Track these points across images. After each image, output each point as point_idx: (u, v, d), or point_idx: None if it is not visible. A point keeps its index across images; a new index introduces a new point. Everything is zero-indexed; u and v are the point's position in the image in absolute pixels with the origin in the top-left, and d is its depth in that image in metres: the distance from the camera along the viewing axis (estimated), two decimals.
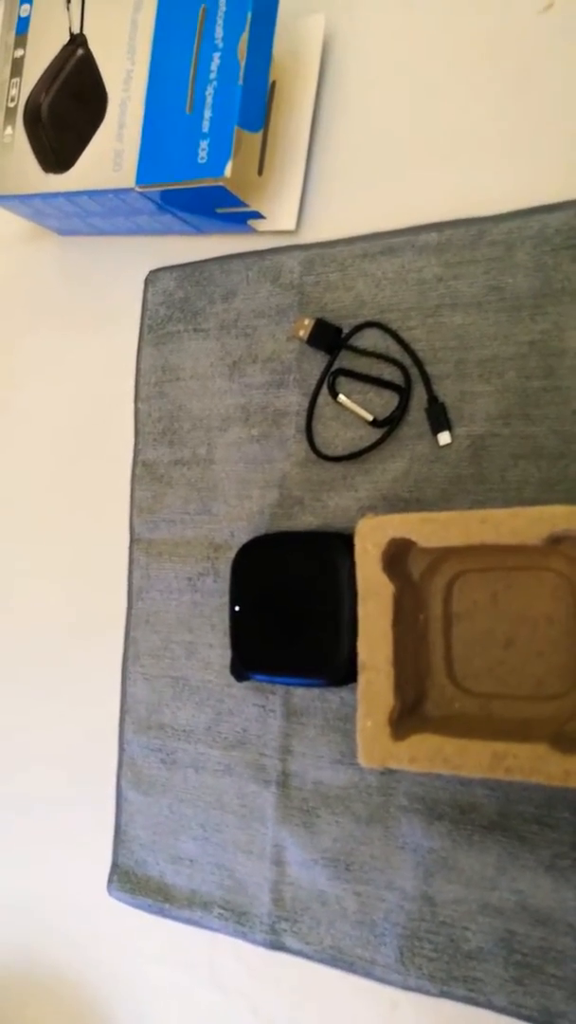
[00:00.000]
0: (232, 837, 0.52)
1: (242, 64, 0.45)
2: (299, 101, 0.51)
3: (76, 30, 0.51)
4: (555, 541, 0.40)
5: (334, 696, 0.49)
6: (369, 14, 0.52)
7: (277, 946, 0.50)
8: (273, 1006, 0.50)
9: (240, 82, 0.45)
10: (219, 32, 0.46)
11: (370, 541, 0.42)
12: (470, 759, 0.39)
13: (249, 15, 0.45)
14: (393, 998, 0.47)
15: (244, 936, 0.51)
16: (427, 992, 0.45)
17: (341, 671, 0.45)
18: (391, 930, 0.46)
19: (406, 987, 0.46)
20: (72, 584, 0.60)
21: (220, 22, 0.46)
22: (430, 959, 0.45)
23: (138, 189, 0.48)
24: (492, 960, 0.44)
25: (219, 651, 0.53)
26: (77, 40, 0.50)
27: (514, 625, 0.43)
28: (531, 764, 0.38)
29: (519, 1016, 0.43)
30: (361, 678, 0.42)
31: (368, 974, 0.47)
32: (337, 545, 0.46)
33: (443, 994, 0.45)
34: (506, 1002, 0.43)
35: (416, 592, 0.44)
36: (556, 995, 0.42)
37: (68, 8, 0.51)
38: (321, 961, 0.48)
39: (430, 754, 0.40)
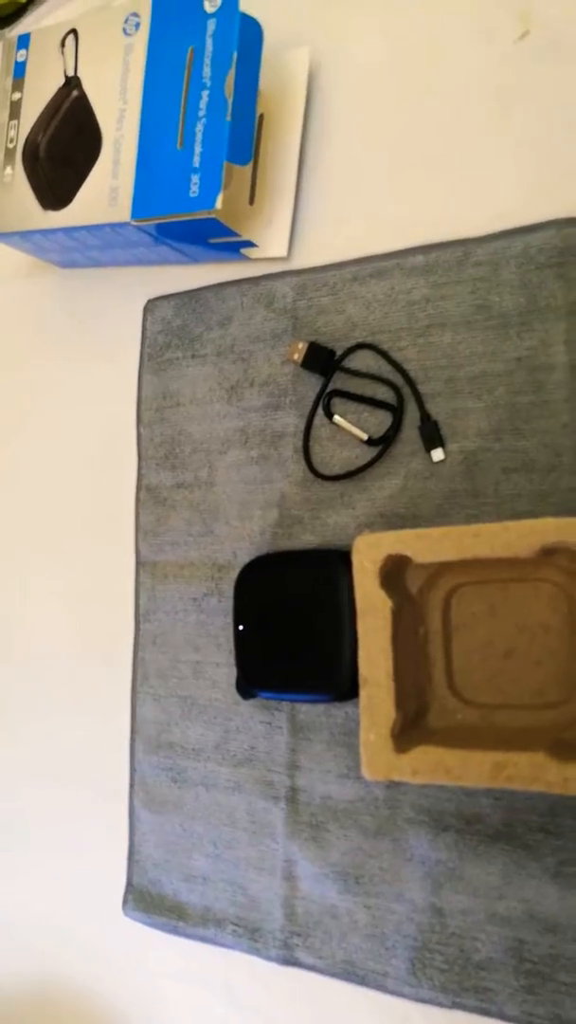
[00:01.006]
0: (243, 854, 0.52)
1: (230, 101, 0.46)
2: (287, 132, 0.53)
3: (71, 73, 0.52)
4: (548, 553, 0.40)
5: (339, 711, 0.50)
6: (352, 46, 0.53)
7: (290, 961, 0.50)
8: (288, 1022, 0.51)
9: (228, 118, 0.47)
10: (207, 71, 0.47)
11: (367, 558, 0.43)
12: (471, 769, 0.40)
13: (235, 54, 0.47)
14: (405, 1011, 0.47)
15: (258, 952, 0.51)
16: (439, 1004, 0.46)
17: (344, 686, 0.46)
18: (402, 942, 0.47)
19: (418, 999, 0.46)
20: (80, 608, 0.61)
21: (207, 61, 0.47)
22: (441, 970, 0.46)
23: (133, 223, 0.50)
24: (502, 969, 0.44)
25: (225, 670, 0.54)
26: (72, 82, 0.52)
27: (512, 636, 0.44)
28: (531, 773, 0.38)
29: None
30: (362, 692, 0.42)
31: (380, 987, 0.47)
32: (336, 562, 0.47)
33: (455, 1005, 0.45)
34: (518, 1011, 0.44)
35: (415, 606, 0.45)
36: (567, 1003, 0.42)
37: (63, 52, 0.53)
38: (334, 975, 0.49)
39: (432, 766, 0.40)
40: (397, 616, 0.43)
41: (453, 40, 0.50)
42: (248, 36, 0.48)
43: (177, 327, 0.57)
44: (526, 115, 0.48)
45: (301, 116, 0.53)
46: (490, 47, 0.49)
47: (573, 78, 0.47)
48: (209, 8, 0.47)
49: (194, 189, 0.47)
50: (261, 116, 0.53)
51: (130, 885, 0.56)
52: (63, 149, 0.53)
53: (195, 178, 0.47)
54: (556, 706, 0.43)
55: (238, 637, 0.50)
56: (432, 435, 0.48)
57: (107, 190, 0.51)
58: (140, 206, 0.50)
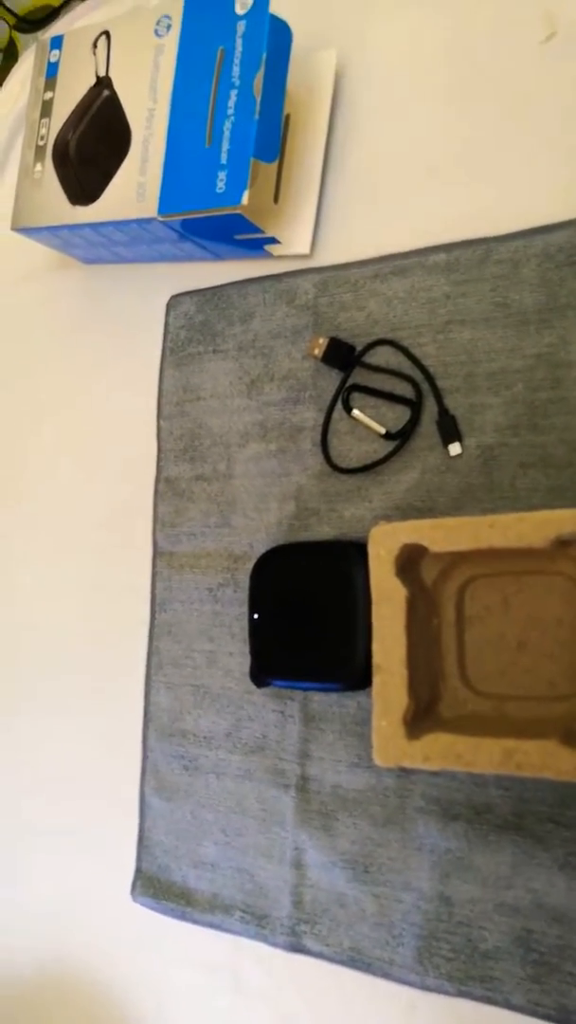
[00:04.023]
0: (253, 841, 0.53)
1: (258, 100, 0.48)
2: (312, 132, 0.54)
3: (102, 73, 0.54)
4: (562, 544, 0.41)
5: (351, 701, 0.50)
6: (379, 48, 0.55)
7: (297, 948, 0.50)
8: (294, 1008, 0.51)
9: (256, 116, 0.48)
10: (236, 71, 0.49)
11: (383, 547, 0.43)
12: (482, 756, 0.40)
13: (264, 55, 0.48)
14: (412, 999, 0.47)
15: (265, 939, 0.52)
16: (445, 992, 0.46)
17: (357, 675, 0.46)
18: (409, 931, 0.47)
19: (424, 987, 0.47)
20: (97, 597, 0.62)
21: (237, 62, 0.49)
22: (448, 959, 0.46)
23: (160, 218, 0.51)
24: (509, 959, 0.45)
25: (239, 659, 0.54)
26: (103, 82, 0.54)
27: (525, 628, 0.45)
28: (541, 760, 0.39)
29: (536, 1015, 0.43)
30: (376, 679, 0.43)
31: (387, 975, 0.48)
32: (352, 553, 0.48)
33: (461, 994, 0.46)
34: (524, 1001, 0.44)
35: (429, 597, 0.46)
36: (573, 993, 0.43)
37: (95, 53, 0.55)
38: (340, 963, 0.49)
39: (443, 752, 0.41)
40: (411, 606, 0.43)
41: (478, 42, 0.51)
42: (277, 37, 0.49)
43: (199, 322, 0.59)
44: (550, 116, 0.49)
45: (327, 117, 0.54)
46: (516, 49, 0.50)
47: None
48: (240, 10, 0.49)
49: (221, 185, 0.49)
50: (287, 116, 0.54)
51: (139, 871, 0.57)
52: (92, 147, 0.54)
53: (222, 175, 0.49)
54: (567, 698, 0.43)
55: (253, 625, 0.51)
56: (450, 430, 0.49)
57: (135, 186, 0.52)
58: (167, 202, 0.51)
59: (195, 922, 0.54)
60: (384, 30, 0.55)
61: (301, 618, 0.49)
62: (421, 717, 0.44)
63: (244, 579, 0.54)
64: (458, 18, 0.52)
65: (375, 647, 0.43)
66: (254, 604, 0.51)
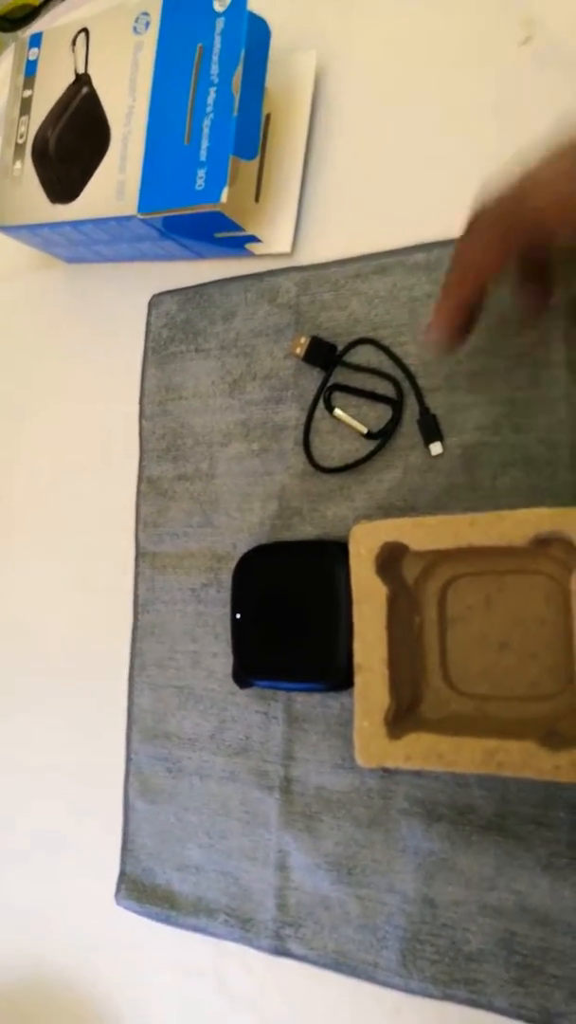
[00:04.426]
0: (237, 844, 0.52)
1: (237, 97, 0.47)
2: (293, 132, 0.54)
3: (81, 70, 0.53)
4: (543, 543, 0.41)
5: (334, 702, 0.50)
6: (358, 48, 0.54)
7: (282, 952, 0.50)
8: (278, 1013, 0.51)
9: (235, 114, 0.48)
10: (215, 68, 0.48)
11: (364, 545, 0.43)
12: (463, 755, 0.40)
13: (243, 52, 0.47)
14: (396, 1002, 0.47)
15: (249, 943, 0.51)
16: (430, 995, 0.46)
17: (340, 675, 0.46)
18: (393, 933, 0.47)
19: (408, 991, 0.46)
20: (79, 598, 0.61)
21: (216, 59, 0.48)
22: (432, 962, 0.46)
23: (140, 216, 0.51)
24: (493, 961, 0.44)
25: (222, 660, 0.54)
26: (82, 79, 0.53)
27: (508, 628, 0.44)
28: (522, 759, 0.39)
29: (520, 1017, 0.43)
30: (357, 679, 0.43)
31: (371, 978, 0.47)
32: (334, 552, 0.47)
33: (445, 997, 0.45)
34: (507, 1003, 0.44)
35: (411, 596, 0.46)
36: (556, 995, 0.42)
37: (73, 50, 0.54)
38: (325, 966, 0.49)
39: (425, 752, 0.41)
40: (392, 604, 0.43)
41: (457, 45, 0.51)
42: (256, 35, 0.49)
43: (181, 321, 0.58)
44: (527, 117, 0.48)
45: (307, 117, 0.54)
46: (494, 50, 0.50)
47: (572, 82, 0.47)
48: (219, 7, 0.48)
49: (200, 183, 0.48)
50: (268, 116, 0.54)
51: (123, 874, 0.56)
52: (72, 144, 0.54)
53: (201, 172, 0.48)
54: (550, 698, 0.43)
55: (235, 625, 0.51)
56: (431, 429, 0.48)
57: (114, 184, 0.52)
58: (147, 200, 0.51)
59: (179, 926, 0.54)
60: (364, 31, 0.54)
61: (284, 618, 0.49)
62: (403, 717, 0.43)
63: (227, 579, 0.54)
64: (437, 21, 0.52)
65: (356, 646, 0.43)
66: (236, 604, 0.51)
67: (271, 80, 0.52)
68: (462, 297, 0.40)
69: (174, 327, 0.59)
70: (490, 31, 0.50)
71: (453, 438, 0.48)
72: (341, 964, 0.48)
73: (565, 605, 0.43)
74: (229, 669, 0.53)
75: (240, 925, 0.52)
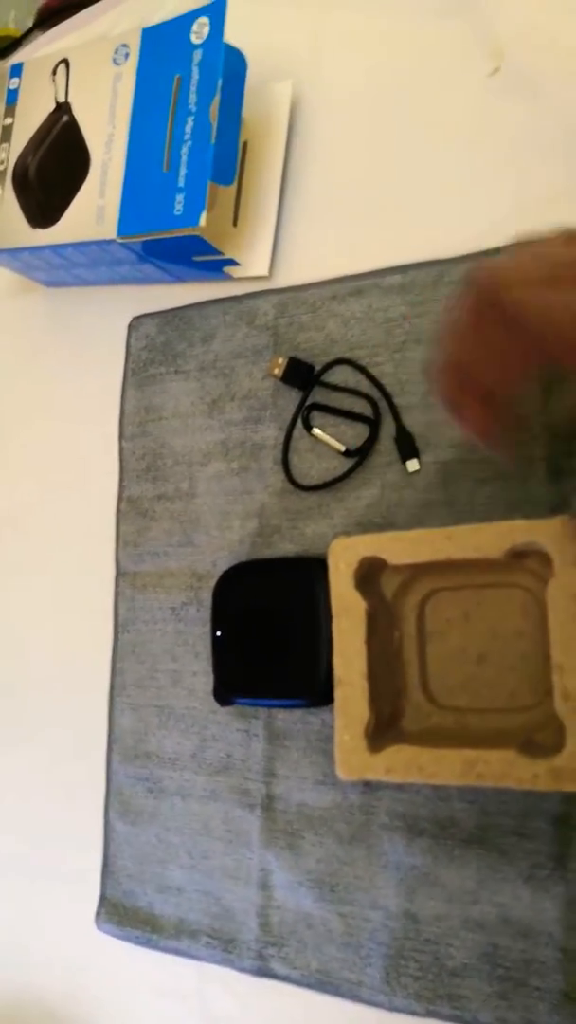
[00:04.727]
0: (219, 863, 0.52)
1: (214, 125, 0.49)
2: (270, 159, 0.55)
3: (61, 99, 0.55)
4: (519, 556, 0.42)
5: (315, 718, 0.50)
6: (332, 79, 0.56)
7: (265, 972, 0.50)
8: None
9: (212, 141, 0.49)
10: (193, 98, 0.50)
11: (342, 560, 0.44)
12: (443, 767, 0.40)
13: (220, 82, 0.49)
14: (380, 1021, 0.47)
15: (232, 964, 0.51)
16: (414, 1012, 0.46)
17: (320, 690, 0.46)
18: (376, 950, 0.47)
19: (393, 1008, 0.46)
20: (60, 619, 0.61)
21: (193, 89, 0.50)
22: (415, 978, 0.46)
23: (119, 240, 0.52)
24: (476, 975, 0.44)
25: (203, 678, 0.54)
26: (62, 108, 0.55)
27: (486, 641, 0.45)
28: (501, 769, 0.39)
29: None
30: (337, 693, 0.43)
31: (355, 997, 0.47)
32: (313, 569, 0.48)
33: (429, 1013, 0.45)
34: (491, 1018, 0.44)
35: (390, 611, 0.46)
36: (539, 1007, 0.42)
37: (54, 80, 0.56)
38: (308, 986, 0.48)
39: (406, 764, 0.41)
40: (372, 619, 0.44)
41: (429, 75, 0.53)
42: (232, 65, 0.50)
43: (161, 344, 0.59)
44: (497, 145, 0.50)
45: (284, 144, 0.55)
46: (464, 80, 0.52)
47: (540, 111, 0.49)
48: (196, 39, 0.50)
49: (179, 208, 0.49)
50: (245, 144, 0.56)
51: (104, 898, 0.56)
52: (52, 171, 0.55)
53: (180, 197, 0.49)
54: (528, 709, 0.44)
55: (215, 643, 0.51)
56: (408, 446, 0.49)
57: (94, 209, 0.53)
58: (126, 223, 0.52)
59: (161, 949, 0.53)
60: (338, 62, 0.56)
61: (264, 635, 0.49)
62: (384, 731, 0.44)
63: (207, 598, 0.54)
64: (409, 52, 0.54)
65: (336, 660, 0.43)
66: (216, 622, 0.51)
67: (248, 109, 0.54)
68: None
69: (154, 349, 0.59)
70: (460, 62, 0.52)
71: (429, 455, 0.49)
72: (325, 983, 0.48)
73: (541, 618, 0.44)
74: (210, 688, 0.53)
75: (222, 946, 0.51)
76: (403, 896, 0.47)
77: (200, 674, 0.54)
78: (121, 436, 0.60)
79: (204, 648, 0.54)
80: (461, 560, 0.42)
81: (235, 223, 0.55)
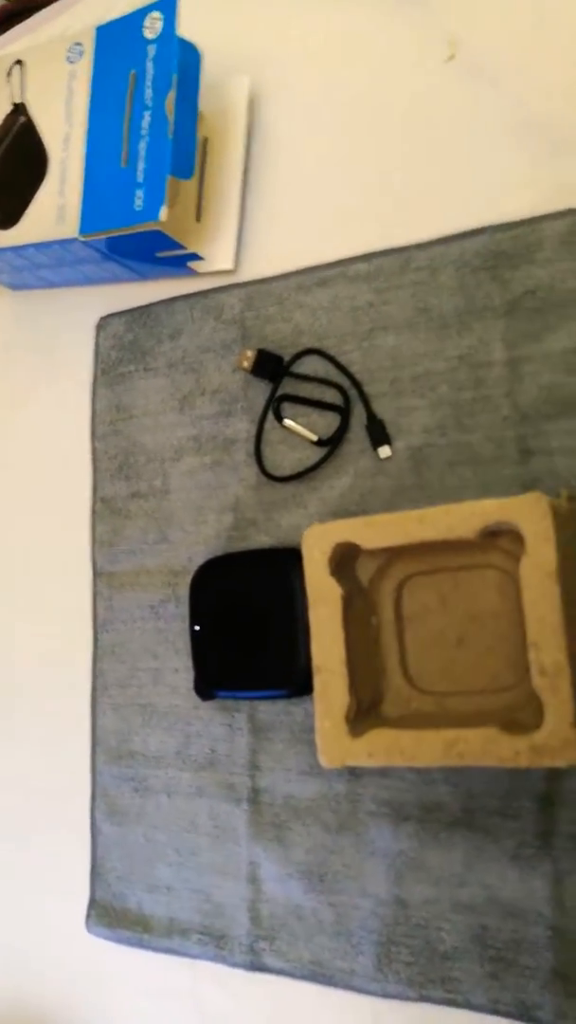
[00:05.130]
0: (207, 859, 0.52)
1: (171, 119, 0.49)
2: (230, 153, 0.55)
3: (17, 100, 0.54)
4: (492, 535, 0.42)
5: (297, 708, 0.50)
6: (290, 71, 0.56)
7: (257, 966, 0.49)
8: None
9: (170, 136, 0.49)
10: (148, 93, 0.50)
11: (317, 548, 0.44)
12: (424, 748, 0.40)
13: (175, 76, 0.49)
14: (376, 1010, 0.47)
15: (224, 960, 0.51)
16: (406, 998, 0.46)
17: (300, 680, 0.46)
18: (367, 938, 0.47)
19: (386, 995, 0.46)
20: (38, 622, 0.61)
21: (149, 84, 0.50)
22: (407, 964, 0.46)
23: (81, 238, 0.52)
24: (467, 958, 0.44)
25: (184, 675, 0.54)
26: (19, 109, 0.54)
27: (464, 624, 0.45)
28: (482, 748, 0.39)
29: (498, 1013, 0.43)
30: (316, 679, 0.43)
31: (348, 985, 0.47)
32: (289, 559, 0.48)
33: (422, 998, 0.45)
34: (484, 999, 0.44)
35: (366, 597, 0.46)
36: (531, 986, 0.43)
37: (9, 81, 0.55)
38: (302, 977, 0.48)
39: (387, 747, 0.41)
40: (348, 605, 0.44)
41: (385, 63, 0.53)
42: (187, 59, 0.50)
43: (129, 342, 0.59)
44: (456, 131, 0.51)
45: (243, 138, 0.55)
46: (422, 68, 0.52)
47: (496, 97, 0.49)
48: (149, 34, 0.50)
49: (139, 203, 0.49)
50: (205, 139, 0.56)
51: (93, 900, 0.55)
52: (11, 172, 0.55)
53: (139, 192, 0.49)
54: (508, 689, 0.44)
55: (194, 637, 0.51)
56: (378, 433, 0.49)
57: (55, 208, 0.52)
58: (87, 222, 0.51)
59: (153, 949, 0.53)
60: (295, 54, 0.56)
61: (242, 627, 0.49)
62: (364, 717, 0.44)
63: (185, 594, 0.54)
64: (365, 42, 0.54)
65: (314, 648, 0.43)
66: (195, 616, 0.51)
67: (207, 105, 0.54)
68: None
69: (122, 348, 0.59)
70: (416, 50, 0.52)
71: (401, 441, 0.49)
72: (317, 974, 0.48)
73: (518, 598, 0.44)
74: (191, 684, 0.53)
75: (214, 943, 0.51)
76: (392, 882, 0.46)
77: (181, 671, 0.54)
78: (93, 436, 0.59)
79: (184, 645, 0.54)
80: (435, 542, 0.42)
81: (198, 218, 0.55)
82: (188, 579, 0.54)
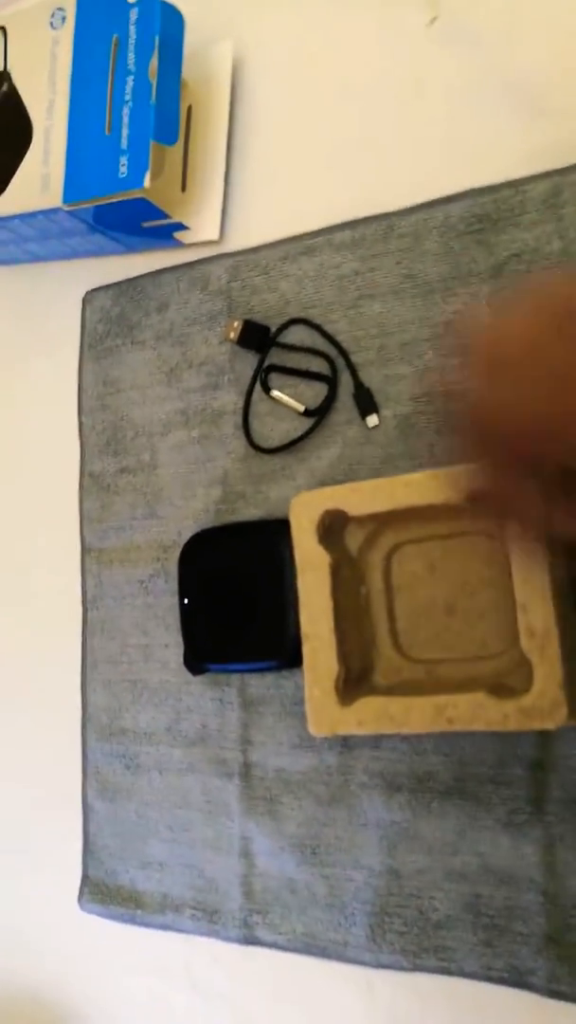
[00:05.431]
0: (200, 835, 0.52)
1: (154, 84, 0.48)
2: (214, 121, 0.54)
3: (0, 68, 0.54)
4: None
5: (288, 681, 0.50)
6: (273, 37, 0.55)
7: (250, 940, 0.49)
8: (252, 1004, 0.50)
9: (153, 101, 0.48)
10: (131, 58, 0.49)
11: (304, 516, 0.43)
12: (414, 715, 0.40)
13: (157, 39, 0.48)
14: (369, 979, 0.47)
15: (217, 935, 0.50)
16: (400, 967, 0.45)
17: (290, 651, 0.46)
18: (360, 909, 0.47)
19: (379, 965, 0.46)
20: (27, 599, 0.60)
21: (132, 49, 0.49)
22: (400, 933, 0.45)
23: (65, 208, 0.51)
24: (460, 926, 0.44)
25: (174, 650, 0.53)
26: (2, 77, 0.53)
27: (453, 592, 0.45)
28: (471, 712, 0.39)
29: (490, 979, 0.43)
30: (305, 648, 0.43)
31: (341, 957, 0.47)
32: (278, 530, 0.47)
33: (416, 967, 0.45)
34: (477, 966, 0.43)
35: (355, 567, 0.46)
36: (523, 952, 0.42)
37: None
38: (295, 950, 0.48)
39: (377, 714, 0.41)
40: (336, 573, 0.43)
41: (368, 27, 0.52)
42: (169, 22, 0.49)
43: (116, 315, 0.58)
44: (438, 95, 0.50)
45: (227, 106, 0.55)
46: (403, 33, 0.51)
47: (478, 59, 0.49)
48: None
49: (123, 170, 0.49)
50: (189, 108, 0.55)
51: (86, 878, 0.55)
52: None
53: (123, 159, 0.49)
54: (497, 656, 0.43)
55: (184, 611, 0.50)
56: (366, 402, 0.49)
57: (39, 178, 0.52)
58: (71, 190, 0.51)
59: (146, 925, 0.53)
60: (277, 20, 0.55)
61: (231, 600, 0.49)
62: (355, 686, 0.43)
63: (174, 569, 0.53)
64: (348, 6, 0.53)
65: (302, 616, 0.43)
66: (184, 589, 0.51)
67: (190, 72, 0.53)
68: None
69: (109, 321, 0.58)
70: (398, 13, 0.51)
71: (388, 410, 0.49)
72: (311, 946, 0.48)
73: (506, 565, 0.43)
74: (181, 660, 0.52)
75: (207, 918, 0.51)
76: (384, 853, 0.46)
77: (172, 646, 0.54)
78: (80, 411, 0.59)
79: (174, 620, 0.53)
80: (423, 508, 0.42)
81: (183, 188, 0.54)
82: (177, 554, 0.53)
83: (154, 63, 0.48)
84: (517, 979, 0.42)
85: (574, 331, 0.28)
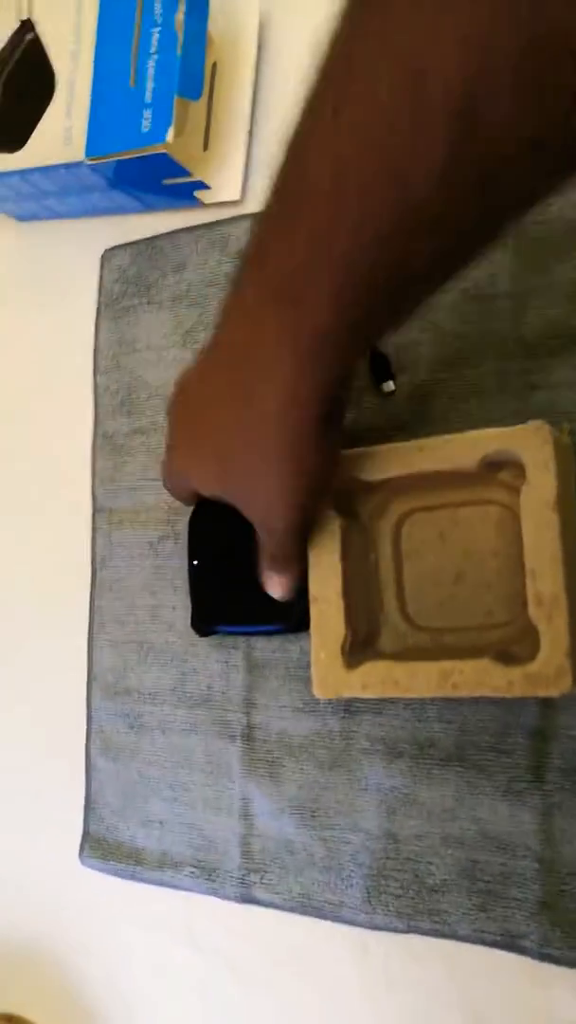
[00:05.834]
0: (200, 795, 0.52)
1: (180, 36, 0.47)
2: (239, 79, 0.54)
3: (24, 16, 0.53)
4: (493, 467, 0.41)
5: (294, 646, 0.50)
6: None
7: (248, 899, 0.50)
8: (249, 961, 0.50)
9: (179, 53, 0.47)
10: (158, 8, 0.48)
11: None
12: (419, 680, 0.40)
13: None
14: (364, 940, 0.47)
15: (215, 892, 0.51)
16: (395, 929, 0.46)
17: (298, 614, 0.46)
18: (357, 871, 0.47)
19: (374, 926, 0.46)
20: (37, 557, 0.60)
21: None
22: (396, 896, 0.46)
23: (88, 161, 0.51)
24: (456, 890, 0.44)
25: (182, 612, 0.53)
26: (26, 26, 0.53)
27: (462, 560, 0.44)
28: (476, 678, 0.39)
29: (484, 943, 0.43)
30: (313, 610, 0.43)
31: (337, 917, 0.47)
32: None
33: (410, 929, 0.45)
34: (470, 930, 0.44)
35: (366, 534, 0.46)
36: (517, 916, 0.43)
37: None
38: (291, 910, 0.49)
39: (381, 679, 0.41)
40: (346, 537, 0.43)
41: None
42: None
43: (133, 275, 0.58)
44: None
45: (253, 64, 0.54)
46: None
47: None
48: None
49: (146, 124, 0.48)
50: (214, 65, 0.54)
51: (87, 834, 0.56)
52: (18, 92, 0.53)
53: (147, 113, 0.48)
54: (503, 625, 0.43)
55: (192, 572, 0.50)
56: (382, 368, 0.49)
57: (61, 131, 0.51)
58: (94, 144, 0.50)
59: (145, 880, 0.53)
60: None
61: (240, 562, 0.49)
62: (360, 651, 0.43)
63: (184, 530, 0.53)
64: None
65: (311, 577, 0.43)
66: (192, 551, 0.51)
67: (216, 29, 0.52)
68: None
69: (126, 281, 0.58)
70: None
71: (404, 377, 0.48)
72: (307, 907, 0.48)
73: (516, 534, 0.43)
74: (188, 622, 0.52)
75: (206, 876, 0.51)
76: (383, 817, 0.47)
77: (179, 608, 0.54)
78: (95, 371, 0.59)
79: (182, 582, 0.53)
80: (435, 474, 0.42)
81: (206, 147, 0.54)
82: (187, 516, 0.53)
83: (180, 15, 0.47)
84: (510, 943, 0.43)
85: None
